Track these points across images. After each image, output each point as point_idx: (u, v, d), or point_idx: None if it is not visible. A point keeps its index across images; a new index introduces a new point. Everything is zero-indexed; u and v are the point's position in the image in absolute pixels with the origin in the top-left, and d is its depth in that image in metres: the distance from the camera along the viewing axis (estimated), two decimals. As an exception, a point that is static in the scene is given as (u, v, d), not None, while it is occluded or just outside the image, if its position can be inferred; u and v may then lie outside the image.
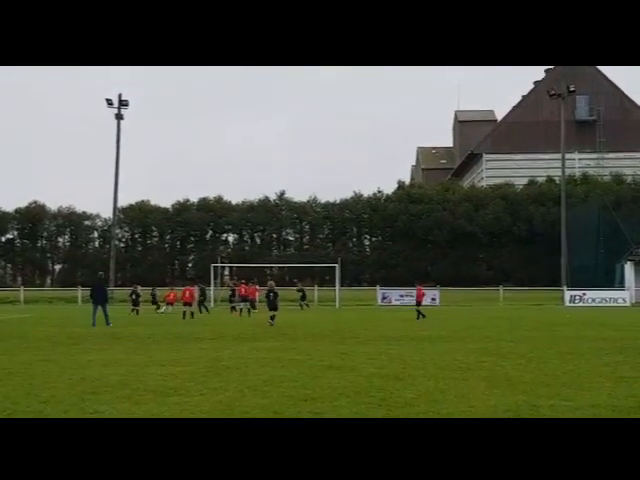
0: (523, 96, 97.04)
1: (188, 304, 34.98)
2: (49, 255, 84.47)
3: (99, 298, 29.22)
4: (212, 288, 49.43)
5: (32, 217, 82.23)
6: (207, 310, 39.59)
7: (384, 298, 51.93)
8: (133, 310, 38.31)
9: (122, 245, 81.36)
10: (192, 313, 33.94)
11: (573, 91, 64.57)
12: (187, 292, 35.93)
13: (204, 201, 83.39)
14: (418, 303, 34.03)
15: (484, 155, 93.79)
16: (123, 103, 62.06)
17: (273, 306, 28.52)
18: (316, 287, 56.11)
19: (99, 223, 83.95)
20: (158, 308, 41.90)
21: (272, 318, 27.89)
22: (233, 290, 42.11)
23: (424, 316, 32.38)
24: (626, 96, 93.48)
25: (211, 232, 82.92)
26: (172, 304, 41.43)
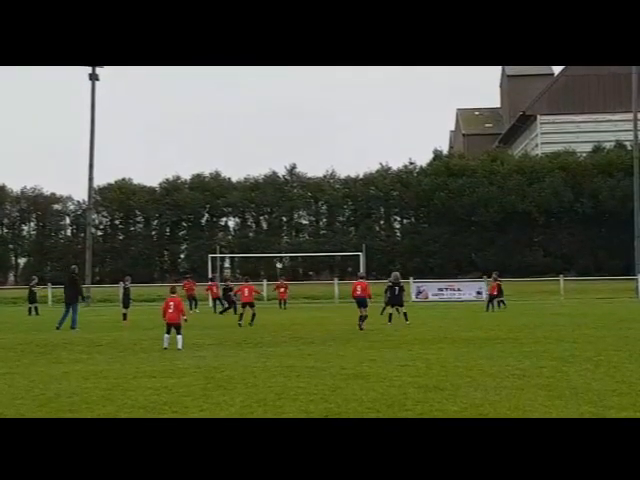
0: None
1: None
2: (11, 246, 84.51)
3: (69, 297, 29.55)
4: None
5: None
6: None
7: (419, 293, 51.79)
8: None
9: (100, 233, 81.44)
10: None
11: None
12: (186, 286, 36.31)
13: (198, 178, 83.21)
14: (494, 296, 37.77)
15: (539, 117, 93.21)
16: (98, 61, 62.34)
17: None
18: (336, 280, 55.39)
19: (71, 207, 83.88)
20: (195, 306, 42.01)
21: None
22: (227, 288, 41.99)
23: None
24: None
25: (207, 216, 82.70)
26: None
